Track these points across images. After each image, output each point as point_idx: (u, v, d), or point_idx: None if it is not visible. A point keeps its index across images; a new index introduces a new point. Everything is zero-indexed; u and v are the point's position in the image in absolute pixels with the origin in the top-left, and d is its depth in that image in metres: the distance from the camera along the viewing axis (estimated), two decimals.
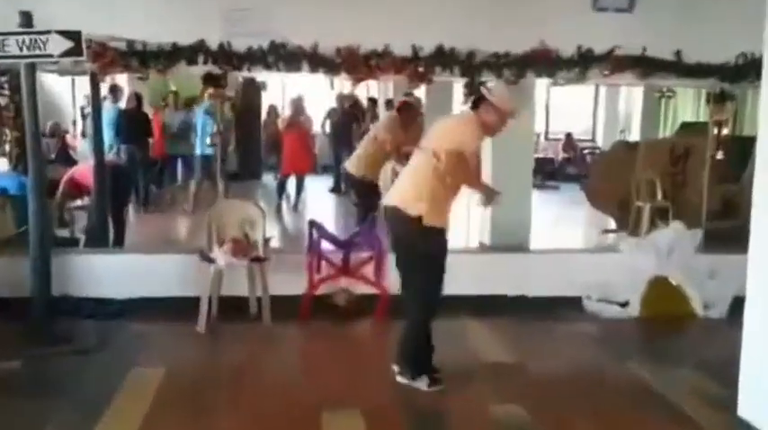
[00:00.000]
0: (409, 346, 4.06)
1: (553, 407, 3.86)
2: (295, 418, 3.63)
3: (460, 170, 3.86)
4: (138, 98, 9.79)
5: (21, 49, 4.36)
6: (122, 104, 9.79)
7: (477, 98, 4.05)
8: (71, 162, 8.74)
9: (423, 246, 3.94)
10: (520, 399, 3.92)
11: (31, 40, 4.35)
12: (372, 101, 12.22)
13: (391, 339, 4.28)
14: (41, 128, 7.69)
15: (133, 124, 9.50)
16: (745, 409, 3.52)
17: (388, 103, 11.04)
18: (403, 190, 4.04)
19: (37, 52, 4.37)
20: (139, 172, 9.52)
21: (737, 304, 4.30)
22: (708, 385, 4.15)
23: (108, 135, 9.03)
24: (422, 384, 3.96)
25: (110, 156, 8.91)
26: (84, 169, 6.85)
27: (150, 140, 10.00)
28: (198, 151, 9.60)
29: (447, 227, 4.08)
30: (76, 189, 6.79)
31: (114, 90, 9.51)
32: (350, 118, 11.62)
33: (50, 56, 4.40)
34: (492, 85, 4.30)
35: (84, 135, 10.29)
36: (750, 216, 3.50)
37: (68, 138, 10.40)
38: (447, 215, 4.06)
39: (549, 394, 4.06)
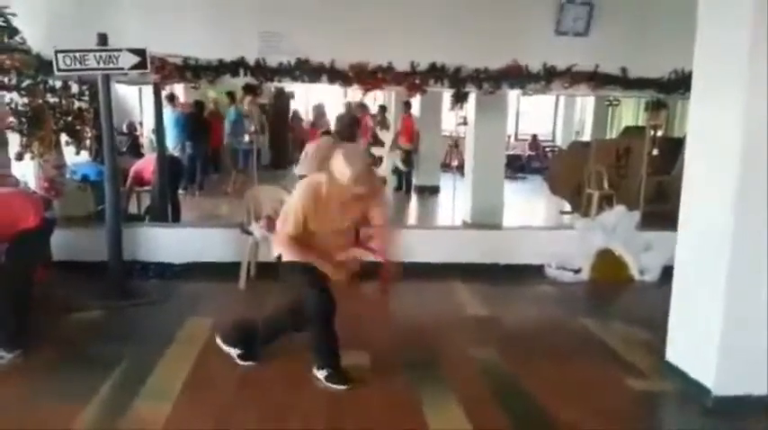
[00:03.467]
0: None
1: (518, 350, 3.88)
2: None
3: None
4: (198, 105, 9.72)
5: (98, 63, 4.33)
6: (181, 109, 9.75)
7: None
8: (140, 155, 8.72)
9: None
10: (493, 344, 3.94)
11: (106, 55, 4.32)
12: (382, 108, 12.03)
13: (391, 297, 4.28)
14: (119, 125, 7.69)
15: (195, 125, 9.48)
16: (671, 354, 3.52)
17: (382, 108, 10.95)
18: None
19: (111, 66, 4.34)
20: (198, 163, 9.50)
21: (667, 271, 4.29)
22: (641, 335, 4.16)
23: (173, 133, 9.05)
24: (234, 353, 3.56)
25: (176, 150, 8.92)
26: (146, 162, 6.85)
27: (208, 138, 9.94)
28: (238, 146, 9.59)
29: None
30: (140, 178, 6.79)
31: (172, 97, 9.46)
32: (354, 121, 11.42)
33: (121, 69, 4.37)
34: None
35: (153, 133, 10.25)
36: (679, 201, 3.49)
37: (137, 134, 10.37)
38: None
39: (516, 340, 4.07)
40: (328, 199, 3.22)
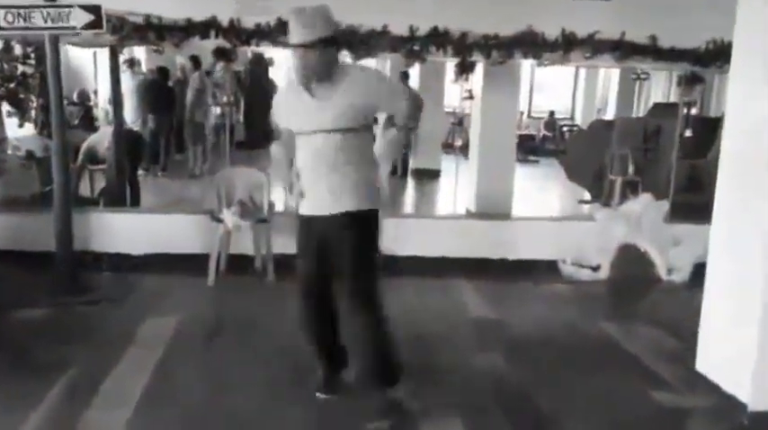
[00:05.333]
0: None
1: (528, 357, 3.90)
2: (293, 364, 3.62)
3: None
4: (162, 72, 9.61)
5: (45, 21, 4.30)
6: (141, 76, 9.65)
7: None
8: (93, 128, 8.65)
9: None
10: (499, 350, 3.96)
11: (55, 12, 4.29)
12: None
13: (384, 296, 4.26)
14: (69, 94, 7.62)
15: (158, 95, 9.38)
16: (702, 364, 3.55)
17: None
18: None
19: (60, 24, 4.31)
20: (161, 138, 9.43)
21: (699, 269, 4.32)
22: (668, 342, 4.19)
23: (130, 104, 8.94)
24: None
25: (135, 124, 8.85)
26: (100, 137, 6.81)
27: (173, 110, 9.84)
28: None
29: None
30: (93, 155, 6.75)
31: (132, 62, 9.36)
32: None
33: (73, 28, 4.34)
34: None
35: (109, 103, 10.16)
36: (714, 189, 3.50)
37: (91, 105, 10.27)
38: None
39: (526, 346, 4.09)
40: None
